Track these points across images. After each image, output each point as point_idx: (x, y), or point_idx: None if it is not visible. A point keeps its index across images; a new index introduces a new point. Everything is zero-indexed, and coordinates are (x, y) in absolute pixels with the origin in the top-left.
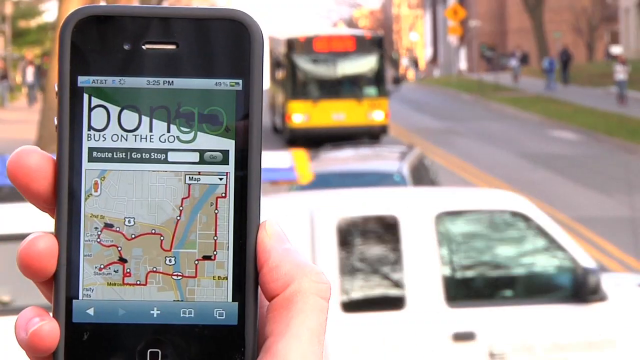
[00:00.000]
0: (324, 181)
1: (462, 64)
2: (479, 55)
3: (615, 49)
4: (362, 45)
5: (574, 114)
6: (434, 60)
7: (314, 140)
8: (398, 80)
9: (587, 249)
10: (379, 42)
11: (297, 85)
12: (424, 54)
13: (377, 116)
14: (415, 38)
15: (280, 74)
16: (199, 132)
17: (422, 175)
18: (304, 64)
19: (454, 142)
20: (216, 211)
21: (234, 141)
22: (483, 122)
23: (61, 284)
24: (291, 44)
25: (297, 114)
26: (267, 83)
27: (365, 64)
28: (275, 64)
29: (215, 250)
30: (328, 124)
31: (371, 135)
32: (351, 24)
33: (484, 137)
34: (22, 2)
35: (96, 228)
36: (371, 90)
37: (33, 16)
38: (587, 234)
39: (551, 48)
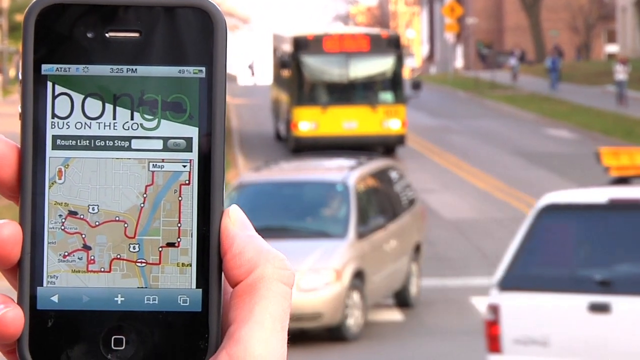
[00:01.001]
0: (267, 190)
1: (459, 62)
2: (476, 52)
3: (611, 48)
4: (378, 45)
5: (570, 113)
6: (430, 57)
7: (322, 150)
8: (417, 85)
9: None
10: (395, 42)
11: (304, 89)
12: (421, 51)
13: (394, 125)
14: (411, 35)
15: (285, 76)
16: (162, 120)
17: (378, 186)
18: (313, 66)
19: (450, 139)
20: (180, 198)
21: (197, 128)
22: (479, 120)
23: (25, 271)
24: (298, 43)
25: (304, 122)
26: (238, 75)
27: (381, 66)
28: (280, 65)
29: (179, 237)
30: (338, 133)
31: (386, 146)
32: (347, 20)
33: (480, 135)
34: None
35: (60, 215)
36: (387, 96)
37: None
38: None
39: (548, 46)
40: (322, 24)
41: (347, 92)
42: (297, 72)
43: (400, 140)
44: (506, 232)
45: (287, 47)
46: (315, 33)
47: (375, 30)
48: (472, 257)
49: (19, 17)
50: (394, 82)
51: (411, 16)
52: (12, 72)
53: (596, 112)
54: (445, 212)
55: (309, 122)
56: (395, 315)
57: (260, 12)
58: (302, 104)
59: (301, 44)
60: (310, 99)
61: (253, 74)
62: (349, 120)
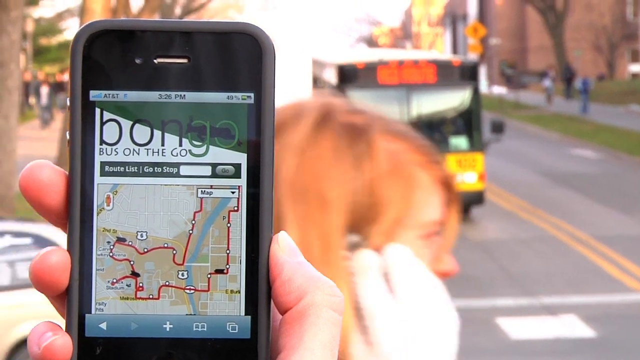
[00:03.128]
0: None
1: (483, 83)
2: (499, 73)
3: (635, 67)
4: (448, 75)
5: (595, 133)
6: None
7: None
8: (499, 127)
9: (608, 268)
10: (471, 71)
11: None
12: None
13: (468, 179)
14: None
15: None
16: (210, 146)
17: None
18: (362, 102)
19: None
20: (228, 225)
21: (246, 154)
22: (503, 139)
23: (74, 298)
24: (345, 73)
25: None
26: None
27: (452, 102)
28: None
29: (227, 264)
30: None
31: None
32: (371, 42)
33: (504, 155)
34: (43, 20)
35: (108, 242)
36: (460, 141)
37: (54, 34)
38: (607, 253)
39: (573, 66)
40: (346, 46)
41: None
42: None
43: (478, 198)
44: (531, 252)
45: (331, 77)
46: (367, 60)
47: (444, 56)
48: (498, 277)
49: (44, 41)
50: (469, 123)
51: (434, 37)
52: (31, 100)
53: (621, 131)
54: (469, 233)
55: None
56: None
57: (281, 36)
58: None
59: (349, 74)
60: None
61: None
62: None
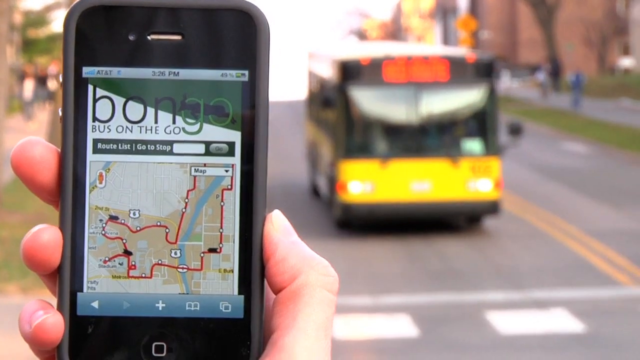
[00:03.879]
0: None
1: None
2: None
3: (626, 62)
4: (461, 73)
5: (586, 127)
6: None
7: (381, 222)
8: (517, 129)
9: (598, 263)
10: (487, 69)
11: (355, 135)
12: None
13: (483, 186)
14: None
15: (326, 114)
16: (204, 124)
17: None
18: (368, 102)
19: None
20: (222, 203)
21: (240, 133)
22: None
23: (65, 276)
24: (348, 70)
25: (356, 182)
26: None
27: (466, 102)
28: (320, 98)
29: (221, 243)
30: (404, 199)
31: (472, 216)
32: (361, 35)
33: None
34: (32, 12)
35: (101, 220)
36: (475, 145)
37: (42, 25)
38: (598, 247)
39: (563, 60)
40: (336, 39)
41: (417, 140)
42: (345, 111)
43: (492, 208)
44: (521, 246)
45: (331, 75)
46: (372, 56)
47: (457, 51)
48: (487, 271)
49: (32, 33)
50: (484, 125)
51: (425, 30)
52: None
53: (612, 126)
54: (459, 227)
55: (363, 182)
56: (410, 330)
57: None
58: (353, 156)
59: (352, 71)
60: (365, 150)
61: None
62: (420, 180)
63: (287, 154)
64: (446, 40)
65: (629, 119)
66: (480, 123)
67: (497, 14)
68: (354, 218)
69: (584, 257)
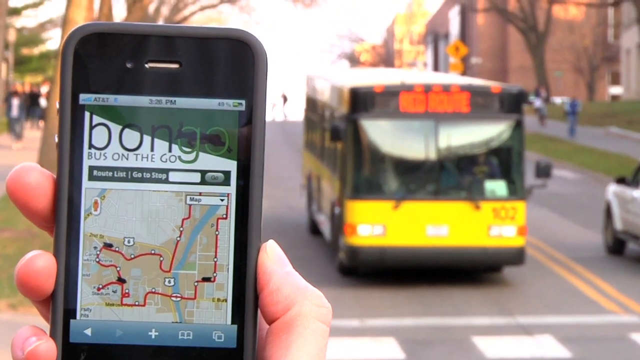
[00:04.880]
0: None
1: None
2: None
3: (615, 90)
4: (485, 105)
5: (573, 153)
6: None
7: (392, 269)
8: (546, 170)
9: (585, 289)
10: (515, 102)
11: (365, 172)
12: None
13: (507, 232)
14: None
15: (329, 145)
16: (200, 153)
17: None
18: (381, 135)
19: None
20: (217, 232)
21: (236, 162)
22: None
23: (59, 303)
24: (359, 98)
25: (365, 224)
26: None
27: (490, 138)
28: (322, 126)
29: (215, 272)
30: (419, 244)
31: (493, 265)
32: (353, 59)
33: None
34: (26, 29)
35: (95, 247)
36: (498, 187)
37: (36, 44)
38: (584, 274)
39: (552, 87)
40: (328, 62)
41: (434, 179)
42: (354, 144)
43: (517, 257)
44: (508, 272)
45: (338, 103)
46: (386, 83)
47: (480, 82)
48: (474, 296)
49: (25, 51)
50: (509, 164)
51: (416, 55)
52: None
53: (600, 152)
54: None
55: (373, 224)
56: (397, 353)
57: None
58: (362, 196)
59: (363, 100)
60: (376, 189)
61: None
62: (437, 224)
63: (279, 177)
64: (437, 65)
65: (616, 146)
66: (505, 162)
67: (488, 40)
68: (362, 263)
69: (570, 282)
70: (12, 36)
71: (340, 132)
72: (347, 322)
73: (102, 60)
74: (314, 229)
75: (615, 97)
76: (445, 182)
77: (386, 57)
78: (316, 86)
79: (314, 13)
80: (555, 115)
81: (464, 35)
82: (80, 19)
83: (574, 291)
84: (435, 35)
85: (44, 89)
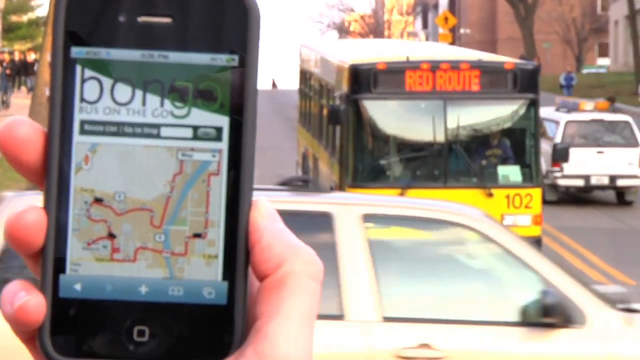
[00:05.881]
0: None
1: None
2: None
3: (604, 61)
4: (498, 83)
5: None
6: None
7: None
8: (563, 153)
9: (571, 259)
10: (529, 78)
11: (368, 158)
12: None
13: (522, 221)
14: None
15: (327, 124)
16: (193, 108)
17: None
18: (385, 116)
19: None
20: (208, 188)
21: (228, 118)
22: None
23: (48, 258)
24: (360, 75)
25: None
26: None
27: (503, 119)
28: (321, 103)
29: (206, 228)
30: None
31: None
32: (342, 29)
33: None
34: None
35: (85, 202)
36: (512, 172)
37: (25, 11)
38: (571, 244)
39: (541, 58)
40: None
41: (442, 164)
42: (355, 127)
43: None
44: None
45: (336, 80)
46: (389, 59)
47: (492, 57)
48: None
49: (14, 18)
50: (524, 147)
51: (405, 25)
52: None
53: None
54: None
55: None
56: None
57: None
58: (364, 183)
59: (365, 78)
60: (379, 175)
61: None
62: None
63: (268, 148)
64: (426, 36)
65: None
66: (519, 145)
67: (477, 11)
68: None
69: (559, 254)
70: (0, 4)
71: (340, 114)
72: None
73: (94, 14)
74: None
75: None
76: (455, 168)
77: (375, 27)
78: (311, 58)
79: None
80: (547, 87)
81: (452, 6)
82: None
83: (562, 262)
84: (424, 6)
85: (31, 57)
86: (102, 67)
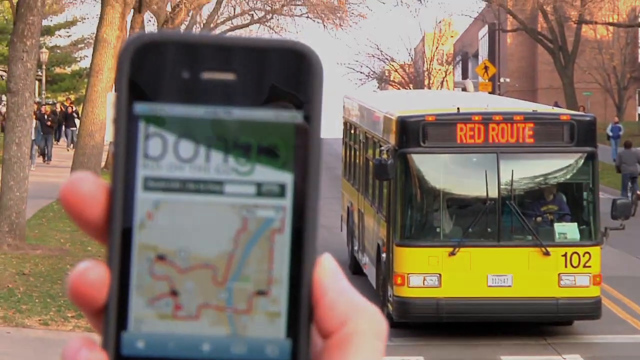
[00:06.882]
0: None
1: None
2: None
3: None
4: (554, 136)
5: (602, 173)
6: None
7: (447, 325)
8: (626, 210)
9: (613, 308)
10: (587, 131)
11: (415, 214)
12: None
13: (580, 282)
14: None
15: (376, 182)
16: (256, 164)
17: None
18: (434, 171)
19: None
20: (272, 245)
21: (292, 174)
22: None
23: (111, 315)
24: (409, 128)
25: (416, 274)
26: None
27: (559, 173)
28: (366, 156)
29: (269, 286)
30: (479, 295)
31: (565, 318)
32: (382, 78)
33: None
34: (58, 48)
35: (148, 259)
36: (569, 229)
37: (68, 63)
38: (614, 294)
39: (580, 107)
40: (357, 82)
41: (495, 221)
42: (403, 182)
43: (593, 309)
44: None
45: (384, 133)
46: (438, 111)
47: (547, 109)
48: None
49: (57, 70)
50: (582, 203)
51: (445, 74)
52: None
53: None
54: None
55: (426, 274)
56: None
57: None
58: (413, 242)
59: (414, 131)
60: (429, 233)
61: None
62: (500, 272)
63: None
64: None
65: None
66: (577, 201)
67: (517, 60)
68: (413, 317)
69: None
70: (44, 56)
71: (387, 168)
72: None
73: (158, 70)
74: (356, 268)
75: None
76: (509, 225)
77: (415, 77)
78: (355, 110)
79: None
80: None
81: (492, 55)
82: (112, 39)
83: (604, 310)
84: (464, 55)
85: (68, 108)
86: (165, 123)
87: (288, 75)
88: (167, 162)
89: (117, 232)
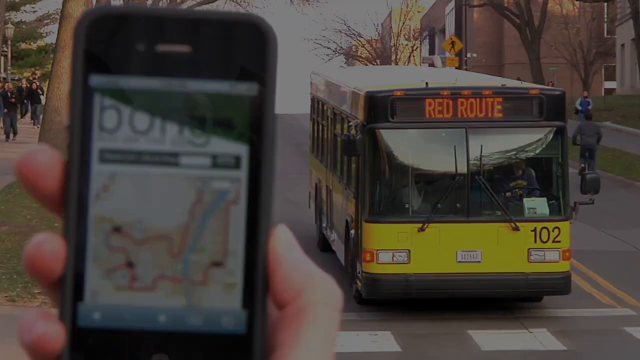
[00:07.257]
0: None
1: None
2: None
3: (610, 84)
4: (523, 110)
5: (571, 150)
6: None
7: (415, 301)
8: (595, 184)
9: (580, 282)
10: (556, 105)
11: (384, 190)
12: None
13: (550, 257)
14: None
15: (344, 158)
16: (212, 136)
17: None
18: (403, 147)
19: None
20: (227, 217)
21: (247, 146)
22: None
23: (67, 287)
24: (377, 104)
25: (385, 251)
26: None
27: (528, 148)
28: (334, 132)
29: (225, 257)
30: (447, 272)
31: (535, 294)
32: (349, 54)
33: None
34: (24, 24)
35: (104, 231)
36: (538, 204)
37: (34, 39)
38: (580, 267)
39: (548, 82)
40: (324, 57)
41: (465, 197)
42: (372, 158)
43: (562, 285)
44: None
45: (352, 109)
46: (406, 86)
47: (517, 84)
48: None
49: (23, 46)
50: (550, 178)
51: (412, 50)
52: None
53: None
54: None
55: (395, 250)
56: (393, 347)
57: None
58: (381, 217)
59: (382, 107)
60: (397, 209)
61: None
62: (469, 248)
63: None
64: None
65: (612, 142)
66: (546, 176)
67: (483, 36)
68: (383, 294)
69: None
70: (9, 31)
71: (356, 144)
72: (345, 316)
73: (113, 43)
74: (325, 245)
75: (609, 91)
76: (478, 200)
77: (382, 52)
78: (323, 86)
79: (310, 9)
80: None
81: (459, 31)
82: (78, 14)
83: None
84: (430, 31)
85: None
86: (121, 95)
87: (243, 47)
88: (122, 134)
89: (72, 204)
